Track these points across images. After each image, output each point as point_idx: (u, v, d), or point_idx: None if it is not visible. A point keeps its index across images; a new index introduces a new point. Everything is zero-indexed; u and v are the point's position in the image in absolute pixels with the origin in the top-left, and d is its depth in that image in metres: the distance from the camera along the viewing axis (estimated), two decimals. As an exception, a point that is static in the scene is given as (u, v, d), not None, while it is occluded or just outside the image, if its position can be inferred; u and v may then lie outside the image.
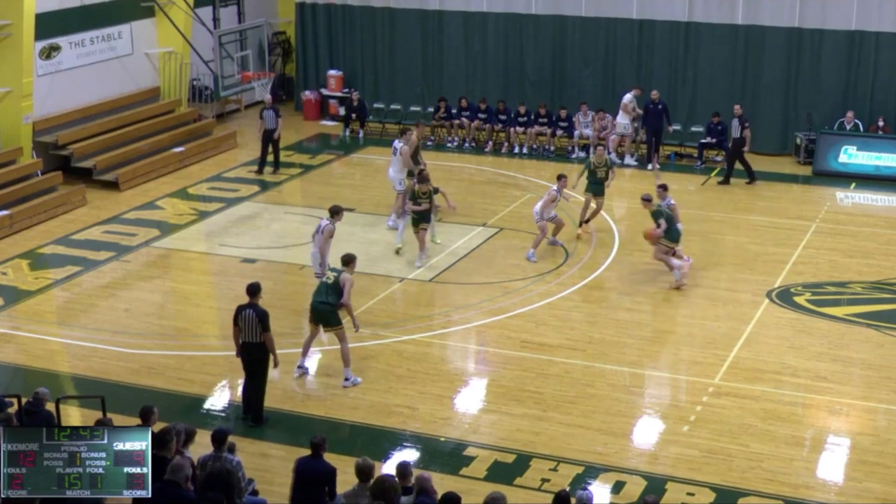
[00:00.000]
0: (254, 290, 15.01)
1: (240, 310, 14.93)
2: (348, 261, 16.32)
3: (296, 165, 27.37)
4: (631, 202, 24.50)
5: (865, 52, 26.75)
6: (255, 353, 14.96)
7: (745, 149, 25.43)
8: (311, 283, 20.03)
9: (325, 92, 31.71)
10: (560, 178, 21.34)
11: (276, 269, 19.95)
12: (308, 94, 31.68)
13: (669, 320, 18.52)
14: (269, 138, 26.32)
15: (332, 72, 31.56)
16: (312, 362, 17.14)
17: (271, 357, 15.04)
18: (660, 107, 26.47)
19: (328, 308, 16.11)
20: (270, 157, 26.62)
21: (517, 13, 29.38)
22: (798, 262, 20.89)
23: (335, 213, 18.56)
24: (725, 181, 25.66)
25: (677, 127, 27.35)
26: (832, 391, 16.10)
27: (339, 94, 31.37)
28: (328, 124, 31.09)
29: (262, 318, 14.79)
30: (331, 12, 31.58)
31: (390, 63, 31.08)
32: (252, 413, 15.23)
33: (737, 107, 25.80)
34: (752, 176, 25.57)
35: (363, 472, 11.30)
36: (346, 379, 16.30)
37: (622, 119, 27.04)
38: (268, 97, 27.20)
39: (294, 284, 19.64)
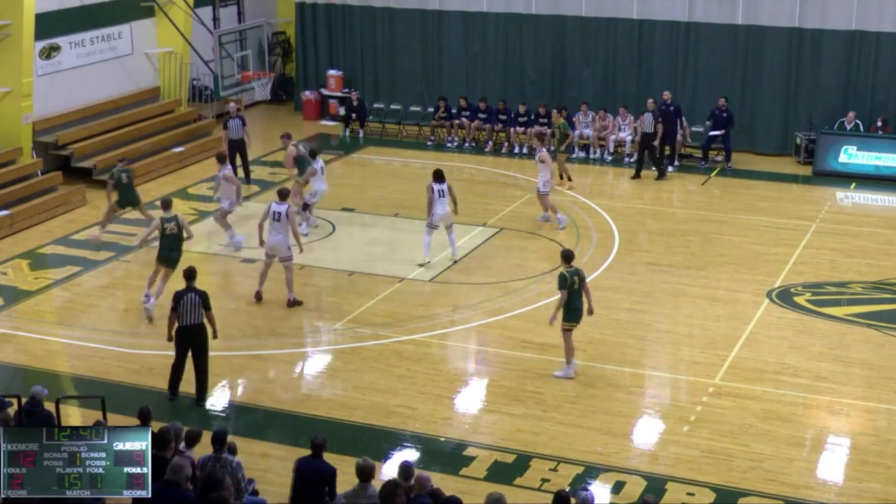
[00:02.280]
0: (191, 273, 15.90)
1: (180, 295, 15.49)
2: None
3: (296, 165, 27.34)
4: (632, 203, 24.52)
5: (865, 52, 26.74)
6: (198, 334, 15.54)
7: (655, 143, 25.73)
8: (312, 283, 20.09)
9: (324, 92, 31.71)
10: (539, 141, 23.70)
11: (276, 269, 19.88)
12: (308, 94, 31.67)
13: (669, 320, 18.50)
14: (235, 149, 25.36)
15: (331, 72, 31.56)
16: (309, 361, 17.16)
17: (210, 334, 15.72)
18: (671, 108, 26.36)
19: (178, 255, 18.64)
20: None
21: (517, 13, 29.38)
22: (798, 262, 20.89)
23: (287, 195, 19.27)
24: (637, 175, 26.03)
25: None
26: (832, 391, 16.10)
27: (338, 94, 31.37)
28: (328, 124, 31.08)
29: (205, 298, 15.56)
30: (331, 12, 31.58)
31: (390, 63, 31.07)
32: (198, 392, 15.70)
33: (650, 101, 26.11)
34: (660, 172, 25.93)
35: (363, 472, 11.30)
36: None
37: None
38: (232, 105, 26.24)
39: (294, 284, 19.61)
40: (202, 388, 15.74)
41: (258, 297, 19.10)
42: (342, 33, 31.57)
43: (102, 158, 25.97)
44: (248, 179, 25.90)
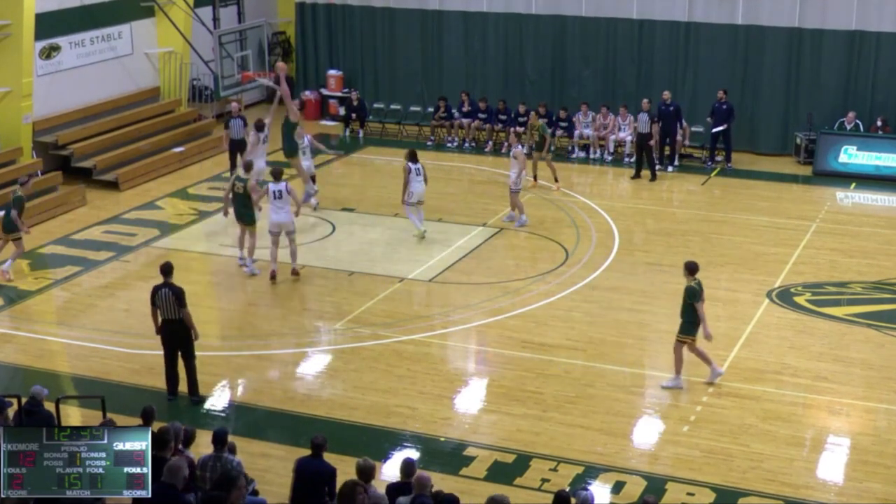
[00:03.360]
0: (167, 269, 15.81)
1: (156, 289, 15.62)
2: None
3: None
4: (632, 202, 24.52)
5: (865, 51, 26.72)
6: (178, 329, 15.62)
7: (652, 143, 25.65)
8: (312, 283, 20.07)
9: (324, 92, 31.68)
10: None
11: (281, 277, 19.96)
12: (308, 94, 31.64)
13: (669, 320, 18.38)
14: (236, 148, 25.11)
15: (331, 72, 31.54)
16: (309, 361, 17.17)
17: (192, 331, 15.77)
18: (671, 108, 26.28)
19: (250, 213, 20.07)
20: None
21: (517, 13, 29.38)
22: (798, 261, 20.89)
23: (280, 174, 20.10)
24: (636, 175, 25.96)
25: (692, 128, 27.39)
26: (832, 391, 16.09)
27: (339, 93, 31.34)
28: (328, 124, 31.07)
29: (179, 295, 15.51)
30: (331, 12, 31.57)
31: (390, 63, 31.05)
32: (189, 388, 15.84)
33: (645, 101, 26.01)
34: (653, 173, 25.85)
35: (364, 473, 11.29)
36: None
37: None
38: (234, 105, 26.06)
39: (292, 284, 19.62)
40: (192, 384, 15.84)
41: (273, 276, 19.70)
42: (342, 33, 31.56)
43: (102, 158, 25.98)
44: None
